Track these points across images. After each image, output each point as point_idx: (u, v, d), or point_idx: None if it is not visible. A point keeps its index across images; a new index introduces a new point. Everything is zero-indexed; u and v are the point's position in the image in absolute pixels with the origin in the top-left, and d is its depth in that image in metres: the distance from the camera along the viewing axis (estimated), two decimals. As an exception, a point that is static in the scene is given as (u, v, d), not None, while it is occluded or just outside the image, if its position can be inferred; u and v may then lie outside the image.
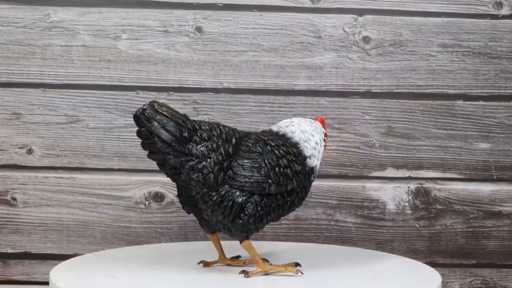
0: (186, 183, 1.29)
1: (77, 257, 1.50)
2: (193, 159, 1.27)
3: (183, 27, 1.73)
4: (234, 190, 1.29)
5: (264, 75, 1.73)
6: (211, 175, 1.27)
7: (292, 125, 1.39)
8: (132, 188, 1.74)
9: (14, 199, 1.73)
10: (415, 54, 1.74)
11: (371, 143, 1.75)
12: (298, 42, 1.74)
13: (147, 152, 1.29)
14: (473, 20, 1.74)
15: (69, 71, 1.72)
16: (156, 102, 1.27)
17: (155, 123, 1.26)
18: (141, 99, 1.72)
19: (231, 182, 1.29)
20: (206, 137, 1.28)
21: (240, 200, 1.29)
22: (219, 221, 1.31)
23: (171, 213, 1.74)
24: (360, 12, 1.74)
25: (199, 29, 1.73)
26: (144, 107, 1.26)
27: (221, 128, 1.31)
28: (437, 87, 1.75)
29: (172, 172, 1.29)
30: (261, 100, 1.73)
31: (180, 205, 1.74)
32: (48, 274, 1.35)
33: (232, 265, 1.39)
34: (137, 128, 1.27)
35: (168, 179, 1.72)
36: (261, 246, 1.49)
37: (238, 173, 1.29)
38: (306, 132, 1.39)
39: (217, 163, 1.28)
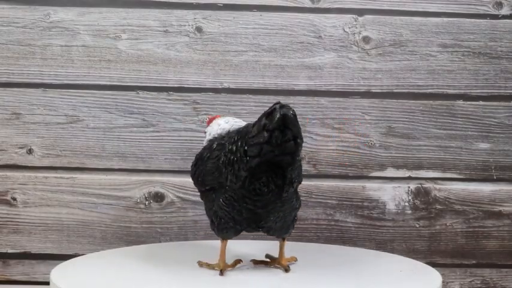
0: (273, 187, 1.26)
1: (77, 257, 1.50)
2: (298, 160, 1.26)
3: (183, 27, 1.73)
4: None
5: (264, 75, 1.73)
6: (301, 174, 1.29)
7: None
8: (132, 188, 1.74)
9: (14, 199, 1.73)
10: (415, 54, 1.74)
11: (371, 143, 1.75)
12: (298, 42, 1.74)
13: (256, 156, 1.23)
14: (473, 20, 1.74)
15: (69, 71, 1.72)
16: None
17: (298, 125, 1.22)
18: (141, 99, 1.73)
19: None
20: None
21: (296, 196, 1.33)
22: (287, 220, 1.32)
23: (171, 213, 1.74)
24: (360, 12, 1.74)
25: (199, 29, 1.73)
26: (290, 107, 1.20)
27: None
28: (437, 87, 1.75)
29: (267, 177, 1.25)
30: (261, 100, 1.73)
31: (179, 205, 1.74)
32: (48, 274, 1.35)
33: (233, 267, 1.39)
34: (260, 131, 1.20)
35: (167, 179, 1.73)
36: (262, 246, 1.50)
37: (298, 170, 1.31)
38: None
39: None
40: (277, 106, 1.19)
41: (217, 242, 1.37)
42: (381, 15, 1.74)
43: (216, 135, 1.37)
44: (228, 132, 1.36)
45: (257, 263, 1.41)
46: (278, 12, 1.73)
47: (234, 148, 1.25)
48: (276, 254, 1.41)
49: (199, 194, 1.40)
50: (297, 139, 1.20)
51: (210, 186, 1.33)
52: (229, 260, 1.37)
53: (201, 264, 1.39)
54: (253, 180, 1.24)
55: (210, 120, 1.43)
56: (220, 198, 1.30)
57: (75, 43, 1.72)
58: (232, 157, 1.26)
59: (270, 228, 1.32)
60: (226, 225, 1.31)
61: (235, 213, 1.29)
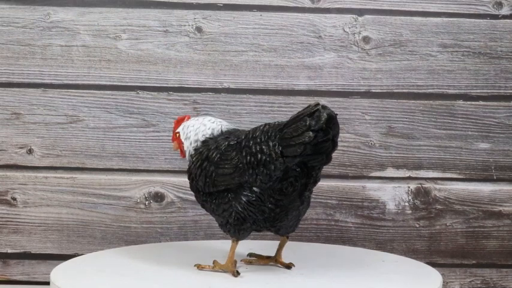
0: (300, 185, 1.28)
1: (77, 257, 1.50)
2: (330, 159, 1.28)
3: (183, 27, 1.73)
4: None
5: (264, 75, 1.73)
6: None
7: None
8: (132, 188, 1.74)
9: (14, 199, 1.73)
10: (415, 54, 1.74)
11: (371, 143, 1.75)
12: (298, 42, 1.74)
13: (292, 156, 1.24)
14: (473, 20, 1.74)
15: (69, 71, 1.72)
16: None
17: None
18: (141, 99, 1.73)
19: None
20: None
21: None
22: (299, 219, 1.34)
23: (171, 213, 1.74)
24: (360, 12, 1.74)
25: (199, 29, 1.73)
26: (330, 108, 1.23)
27: None
28: (437, 87, 1.75)
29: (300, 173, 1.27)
30: (261, 100, 1.73)
31: (179, 205, 1.74)
32: (48, 274, 1.35)
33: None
34: (305, 130, 1.21)
35: (167, 179, 1.73)
36: (262, 246, 1.50)
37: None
38: None
39: None
40: (320, 107, 1.22)
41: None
42: (381, 15, 1.74)
43: (208, 136, 1.37)
44: (222, 133, 1.36)
45: (248, 262, 1.41)
46: (278, 12, 1.73)
47: (265, 149, 1.26)
48: (258, 252, 1.42)
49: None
50: (334, 138, 1.24)
51: (225, 187, 1.31)
52: (222, 261, 1.36)
53: (201, 267, 1.37)
54: (282, 179, 1.26)
55: (179, 121, 1.42)
56: (243, 198, 1.29)
57: (75, 43, 1.72)
58: (264, 157, 1.26)
59: (281, 227, 1.33)
60: (244, 225, 1.31)
61: (259, 213, 1.29)
